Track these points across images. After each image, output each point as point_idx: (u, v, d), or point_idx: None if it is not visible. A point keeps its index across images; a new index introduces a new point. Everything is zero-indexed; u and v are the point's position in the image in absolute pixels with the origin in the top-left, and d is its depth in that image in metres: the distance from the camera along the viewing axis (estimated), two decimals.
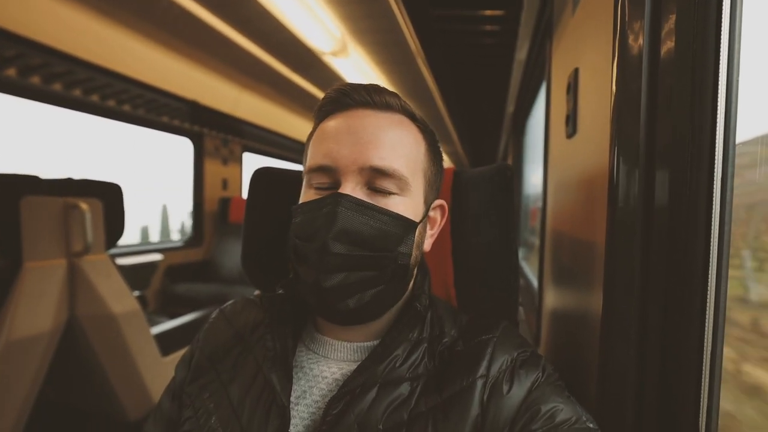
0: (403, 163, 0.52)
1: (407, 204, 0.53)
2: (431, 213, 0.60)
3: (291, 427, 0.50)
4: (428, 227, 0.60)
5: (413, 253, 0.54)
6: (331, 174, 0.52)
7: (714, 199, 0.45)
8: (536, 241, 1.76)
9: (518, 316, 0.72)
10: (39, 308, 1.46)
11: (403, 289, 0.55)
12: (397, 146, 0.52)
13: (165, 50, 2.47)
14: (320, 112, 0.57)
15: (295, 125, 4.08)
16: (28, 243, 1.46)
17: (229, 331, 0.62)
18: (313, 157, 0.54)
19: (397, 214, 0.51)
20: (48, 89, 2.14)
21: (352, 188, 0.50)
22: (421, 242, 0.57)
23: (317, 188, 0.53)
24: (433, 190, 0.59)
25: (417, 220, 0.54)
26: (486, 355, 0.52)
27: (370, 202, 0.50)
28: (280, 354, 0.54)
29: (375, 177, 0.51)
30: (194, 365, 0.61)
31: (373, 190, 0.52)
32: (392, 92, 0.56)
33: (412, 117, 0.57)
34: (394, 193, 0.52)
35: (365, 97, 0.53)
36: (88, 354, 1.65)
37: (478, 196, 0.67)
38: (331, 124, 0.54)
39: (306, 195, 0.54)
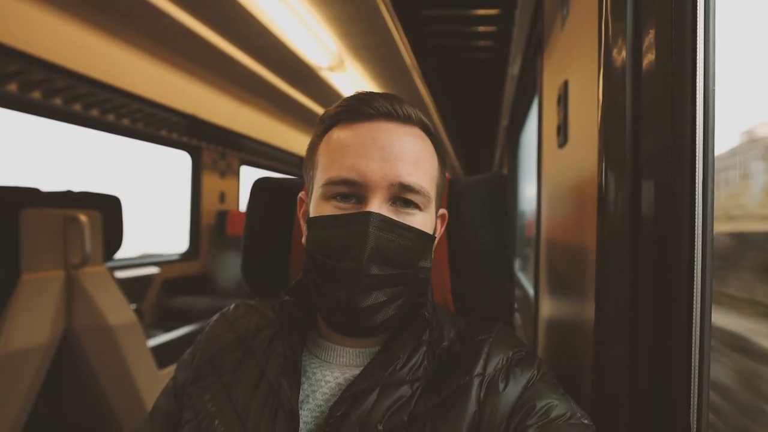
0: (427, 179, 0.53)
1: (426, 219, 0.54)
2: (437, 222, 0.60)
3: None
4: None
5: (430, 265, 0.55)
6: (356, 188, 0.50)
7: (696, 206, 0.47)
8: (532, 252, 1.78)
9: (514, 321, 0.73)
10: (35, 321, 1.45)
11: (417, 299, 0.56)
12: (421, 162, 0.53)
13: (165, 65, 2.51)
14: (333, 118, 0.55)
15: (292, 139, 4.12)
16: (26, 255, 1.46)
17: (231, 334, 0.62)
18: (333, 168, 0.52)
19: (421, 231, 0.52)
20: (49, 104, 2.16)
21: (378, 205, 0.50)
22: (432, 253, 0.58)
23: (337, 201, 0.52)
24: (440, 201, 0.60)
25: (432, 232, 0.55)
26: (482, 354, 0.53)
27: (397, 220, 0.51)
28: (291, 360, 0.54)
29: (402, 193, 0.51)
30: (195, 366, 0.61)
31: (398, 206, 0.52)
32: (409, 103, 0.55)
33: (426, 130, 0.57)
34: (417, 209, 0.52)
35: (388, 107, 0.52)
36: (83, 367, 1.64)
37: (473, 202, 0.69)
38: (350, 134, 0.52)
39: (321, 207, 0.52)
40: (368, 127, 0.52)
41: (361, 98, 0.53)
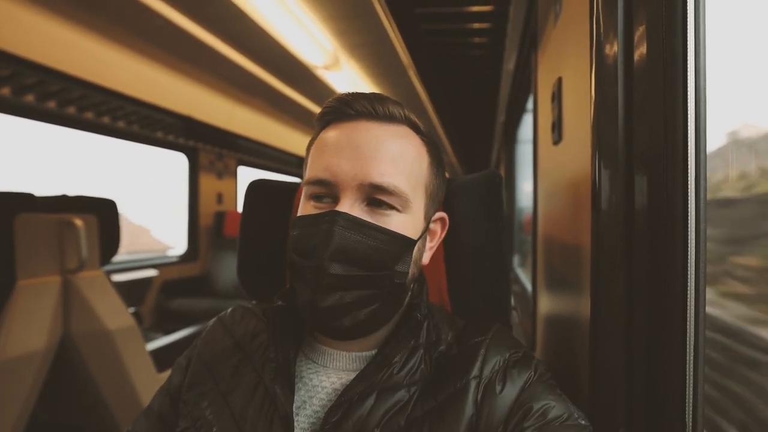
0: (404, 179, 0.51)
1: (407, 221, 0.52)
2: (431, 226, 0.59)
3: None
4: (428, 240, 0.59)
5: (410, 270, 0.53)
6: (329, 188, 0.51)
7: (689, 200, 0.47)
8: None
9: (512, 319, 0.73)
10: (32, 327, 1.45)
11: (399, 305, 0.55)
12: (398, 161, 0.51)
13: (159, 66, 2.50)
14: (321, 120, 0.56)
15: (288, 138, 4.12)
16: (22, 261, 1.45)
17: (228, 340, 0.62)
18: (312, 169, 0.53)
19: (396, 233, 0.50)
20: (43, 107, 2.15)
21: (350, 205, 0.49)
22: (420, 257, 0.56)
23: (315, 201, 0.52)
24: (434, 204, 0.59)
25: (416, 236, 0.53)
26: (479, 356, 0.53)
27: (368, 220, 0.49)
28: (283, 365, 0.53)
29: (374, 193, 0.50)
30: (191, 372, 0.60)
31: (373, 206, 0.51)
32: (395, 101, 0.54)
33: (415, 128, 0.56)
34: (393, 210, 0.51)
35: (367, 107, 0.52)
36: (82, 372, 1.63)
37: (469, 201, 0.69)
38: (332, 134, 0.53)
39: (304, 207, 0.53)
40: (348, 128, 0.53)
41: (343, 99, 0.53)
